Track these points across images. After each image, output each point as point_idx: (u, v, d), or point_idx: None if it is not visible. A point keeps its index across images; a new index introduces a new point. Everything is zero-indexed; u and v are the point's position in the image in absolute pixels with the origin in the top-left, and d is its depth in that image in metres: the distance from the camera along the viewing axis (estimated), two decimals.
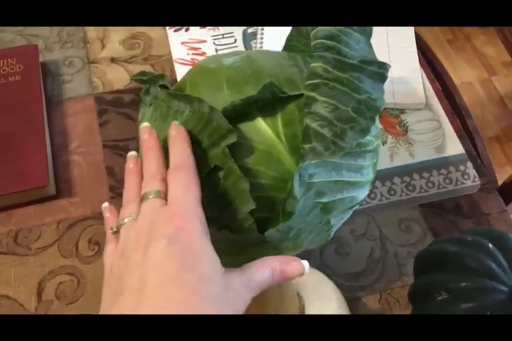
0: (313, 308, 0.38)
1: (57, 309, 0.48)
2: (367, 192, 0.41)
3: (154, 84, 0.38)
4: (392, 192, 0.56)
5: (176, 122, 0.35)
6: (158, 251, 0.28)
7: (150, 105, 0.39)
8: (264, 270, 0.32)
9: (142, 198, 0.32)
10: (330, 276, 0.51)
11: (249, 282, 0.31)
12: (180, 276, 0.27)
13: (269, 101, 0.34)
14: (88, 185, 0.54)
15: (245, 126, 0.34)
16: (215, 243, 0.30)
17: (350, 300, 0.50)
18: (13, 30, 0.64)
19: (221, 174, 0.34)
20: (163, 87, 0.38)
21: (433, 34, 1.84)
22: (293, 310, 0.38)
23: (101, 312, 0.30)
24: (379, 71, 0.33)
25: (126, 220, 0.33)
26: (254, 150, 0.34)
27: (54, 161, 0.55)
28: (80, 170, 0.55)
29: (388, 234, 0.54)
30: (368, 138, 0.37)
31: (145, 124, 0.36)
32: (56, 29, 0.65)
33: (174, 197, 0.31)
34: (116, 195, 0.54)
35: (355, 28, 0.35)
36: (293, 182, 0.32)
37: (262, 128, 0.34)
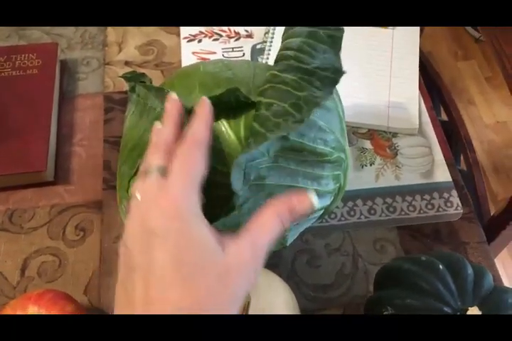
0: (259, 305, 0.40)
1: (37, 285, 0.51)
2: (327, 203, 0.43)
3: (138, 82, 0.41)
4: (372, 212, 0.57)
5: (205, 97, 0.35)
6: (156, 252, 0.28)
7: (134, 102, 0.42)
8: (272, 223, 0.30)
9: (146, 171, 0.32)
10: (298, 285, 0.53)
11: (255, 252, 0.29)
12: (175, 276, 0.27)
13: (232, 105, 0.36)
14: (84, 175, 0.58)
15: None
16: None
17: (314, 311, 0.51)
18: (41, 29, 0.70)
19: None
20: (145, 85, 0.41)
21: (472, 70, 1.83)
22: None
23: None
24: (331, 76, 0.36)
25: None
26: (216, 150, 0.37)
27: (57, 151, 0.59)
28: (79, 161, 0.59)
29: (362, 251, 0.55)
30: (327, 149, 0.39)
31: (172, 94, 0.35)
32: (80, 31, 0.70)
33: (171, 180, 0.31)
34: (108, 187, 0.57)
35: (323, 40, 0.38)
36: (231, 177, 0.34)
37: (224, 130, 0.37)
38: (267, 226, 0.29)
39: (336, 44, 0.38)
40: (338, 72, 0.35)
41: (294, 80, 0.34)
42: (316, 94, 0.34)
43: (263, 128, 0.33)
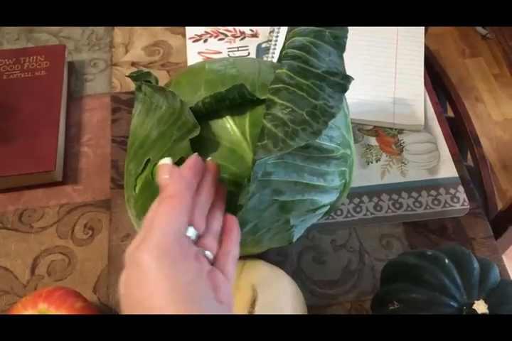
0: (266, 300, 0.40)
1: (46, 284, 0.52)
2: (333, 199, 0.43)
3: (144, 80, 0.42)
4: (379, 208, 0.57)
5: (195, 154, 0.35)
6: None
7: (140, 101, 0.43)
8: None
9: None
10: (304, 282, 0.53)
11: None
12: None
13: (237, 102, 0.37)
14: (93, 174, 0.59)
15: (214, 123, 0.38)
16: None
17: (320, 307, 0.51)
18: (48, 32, 0.71)
19: None
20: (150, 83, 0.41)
21: (479, 67, 1.82)
22: (245, 299, 0.40)
23: None
24: (341, 82, 0.36)
25: None
26: (220, 146, 0.37)
27: (66, 151, 0.60)
28: (87, 160, 0.60)
29: (368, 247, 0.55)
30: (332, 145, 0.39)
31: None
32: (87, 33, 0.71)
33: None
34: (116, 186, 0.58)
35: (329, 41, 0.38)
36: (249, 178, 0.34)
37: (229, 127, 0.38)
38: None
39: (339, 45, 0.39)
40: (346, 78, 0.36)
41: (308, 86, 0.35)
42: (330, 104, 0.35)
43: (280, 132, 0.34)
